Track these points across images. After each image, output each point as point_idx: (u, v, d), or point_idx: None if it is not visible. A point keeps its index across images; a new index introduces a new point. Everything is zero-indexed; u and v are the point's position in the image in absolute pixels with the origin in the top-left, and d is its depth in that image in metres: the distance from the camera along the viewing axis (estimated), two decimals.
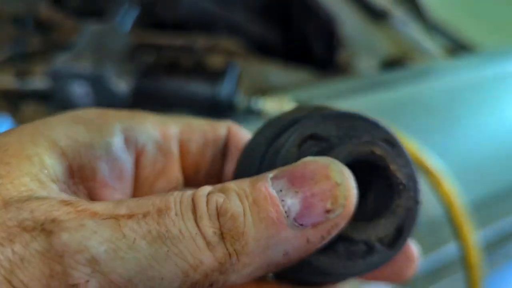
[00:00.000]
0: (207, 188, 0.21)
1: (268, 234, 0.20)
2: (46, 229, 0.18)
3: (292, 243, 0.20)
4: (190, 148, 0.28)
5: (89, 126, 0.24)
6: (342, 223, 0.21)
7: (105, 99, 0.73)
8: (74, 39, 1.01)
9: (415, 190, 0.24)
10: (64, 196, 0.21)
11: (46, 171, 0.21)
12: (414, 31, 1.04)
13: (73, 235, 0.19)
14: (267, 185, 0.21)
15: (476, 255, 0.77)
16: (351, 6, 1.11)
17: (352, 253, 0.22)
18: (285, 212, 0.20)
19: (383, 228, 0.23)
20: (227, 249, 0.20)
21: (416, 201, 0.24)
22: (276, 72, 0.97)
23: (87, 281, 0.18)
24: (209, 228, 0.20)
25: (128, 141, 0.26)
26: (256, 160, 0.24)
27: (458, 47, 1.06)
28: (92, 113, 0.25)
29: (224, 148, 0.29)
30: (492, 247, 0.89)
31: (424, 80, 0.90)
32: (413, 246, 0.27)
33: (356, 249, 0.22)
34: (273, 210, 0.20)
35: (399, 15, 1.07)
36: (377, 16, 1.09)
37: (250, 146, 0.26)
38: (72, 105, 0.74)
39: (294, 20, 1.20)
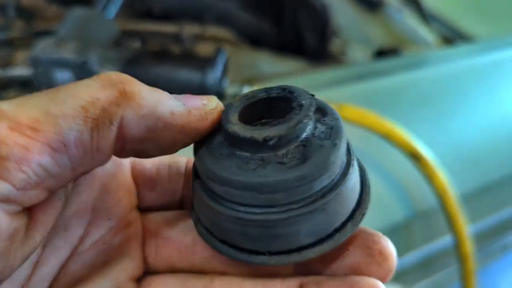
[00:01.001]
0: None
1: (158, 98, 0.25)
2: None
3: (177, 108, 0.25)
4: (144, 163, 0.31)
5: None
6: (215, 114, 0.27)
7: None
8: (57, 26, 0.98)
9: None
10: None
11: None
12: (409, 20, 1.02)
13: None
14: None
15: (469, 246, 0.76)
16: None
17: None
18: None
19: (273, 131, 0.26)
20: (124, 89, 0.24)
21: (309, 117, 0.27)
22: (266, 61, 0.94)
23: None
24: (106, 77, 0.25)
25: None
26: None
27: (453, 37, 1.04)
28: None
29: (186, 172, 0.32)
30: (486, 238, 0.88)
31: (417, 69, 0.88)
32: (388, 245, 0.28)
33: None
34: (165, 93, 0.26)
35: (394, 4, 1.05)
36: (371, 5, 1.07)
37: None
38: None
39: (287, 10, 1.18)
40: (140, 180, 0.31)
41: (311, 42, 1.11)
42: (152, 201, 0.31)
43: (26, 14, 0.96)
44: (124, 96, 0.24)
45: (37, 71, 0.72)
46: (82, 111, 0.23)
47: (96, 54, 0.71)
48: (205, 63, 0.70)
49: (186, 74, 0.69)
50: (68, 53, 0.70)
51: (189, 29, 0.90)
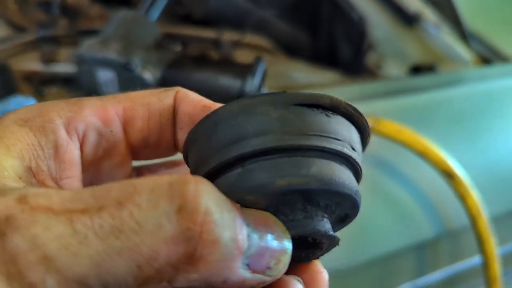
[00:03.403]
0: (190, 178, 0.20)
1: (229, 257, 0.20)
2: (0, 230, 0.19)
3: (234, 275, 0.21)
4: (135, 124, 0.28)
5: (33, 128, 0.24)
6: (268, 283, 0.22)
7: (131, 87, 0.72)
8: (100, 26, 1.01)
9: None
10: (23, 191, 0.21)
11: (6, 172, 0.22)
12: (446, 37, 1.02)
13: (24, 234, 0.19)
14: (241, 212, 0.21)
15: (497, 268, 0.76)
16: (382, 8, 1.09)
17: None
18: (247, 247, 0.21)
19: None
20: (195, 249, 0.20)
21: None
22: (301, 71, 0.95)
23: (43, 280, 0.19)
24: (185, 222, 0.19)
25: (70, 133, 0.26)
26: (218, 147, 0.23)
27: (491, 56, 1.03)
28: (32, 111, 0.25)
29: (173, 116, 0.29)
30: None
31: (453, 87, 0.87)
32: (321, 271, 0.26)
33: None
34: (242, 238, 0.21)
35: (432, 19, 1.04)
36: (408, 19, 1.07)
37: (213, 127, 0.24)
38: (96, 91, 0.74)
39: (323, 20, 1.18)
40: (134, 141, 0.29)
41: (346, 54, 1.11)
42: (146, 155, 0.30)
43: (70, 12, 0.99)
44: (190, 260, 0.20)
45: (81, 69, 0.74)
46: (135, 270, 0.19)
47: (139, 55, 0.73)
48: (245, 70, 0.71)
49: (226, 81, 0.70)
50: (112, 53, 0.72)
51: (228, 36, 0.91)
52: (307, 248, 0.24)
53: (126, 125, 0.28)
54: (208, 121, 0.24)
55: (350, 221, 0.26)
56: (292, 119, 0.22)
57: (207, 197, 0.20)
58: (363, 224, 0.71)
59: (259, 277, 0.21)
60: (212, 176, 0.24)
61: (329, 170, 0.22)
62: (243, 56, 0.94)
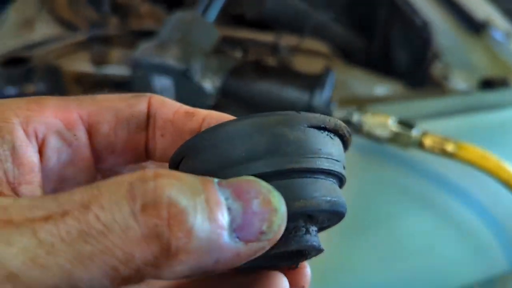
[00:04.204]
0: (149, 174, 0.20)
1: (211, 238, 0.20)
2: None
3: (225, 253, 0.20)
4: (101, 129, 0.27)
5: None
6: (268, 247, 0.21)
7: (189, 95, 0.67)
8: (152, 25, 0.96)
9: None
10: None
11: None
12: None
13: None
14: (216, 188, 0.20)
15: None
16: (447, 14, 1.02)
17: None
18: (229, 221, 0.20)
19: None
20: (169, 244, 0.19)
21: None
22: (360, 80, 0.89)
23: None
24: (151, 219, 0.19)
25: (28, 134, 0.25)
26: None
27: None
28: None
29: (146, 123, 0.28)
30: None
31: None
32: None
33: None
34: (221, 215, 0.20)
35: (502, 27, 0.97)
36: (475, 26, 1.00)
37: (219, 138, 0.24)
38: None
39: (380, 23, 1.12)
40: (98, 147, 0.28)
41: (403, 61, 1.04)
42: (113, 163, 0.29)
43: (121, 10, 0.95)
44: (168, 254, 0.19)
45: (135, 73, 0.70)
46: (111, 273, 0.19)
47: (198, 62, 0.68)
48: (314, 82, 0.66)
49: (292, 93, 0.65)
50: (170, 59, 0.67)
51: (287, 40, 0.86)
52: (295, 257, 0.25)
53: (90, 130, 0.27)
54: (221, 132, 0.23)
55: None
56: (306, 141, 0.23)
57: (169, 188, 0.19)
58: (434, 255, 0.66)
59: (254, 245, 0.21)
60: None
61: (334, 192, 0.24)
62: (301, 62, 0.88)
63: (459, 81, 0.89)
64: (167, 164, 0.27)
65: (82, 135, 0.27)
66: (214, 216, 0.20)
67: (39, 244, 0.18)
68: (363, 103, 0.81)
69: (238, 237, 0.20)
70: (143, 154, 0.29)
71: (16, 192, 0.23)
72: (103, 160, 0.28)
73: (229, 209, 0.20)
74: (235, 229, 0.20)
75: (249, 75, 0.67)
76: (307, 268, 0.27)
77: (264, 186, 0.21)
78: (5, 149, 0.23)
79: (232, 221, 0.20)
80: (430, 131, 0.64)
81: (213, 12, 0.79)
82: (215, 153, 0.23)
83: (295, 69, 0.69)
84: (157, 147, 0.28)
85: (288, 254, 0.24)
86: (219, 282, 0.26)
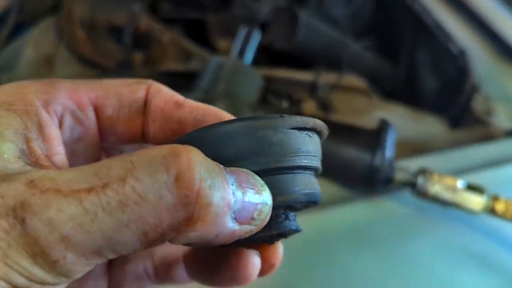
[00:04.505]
0: (180, 148, 0.22)
1: (220, 214, 0.23)
2: (18, 215, 0.21)
3: (224, 229, 0.24)
4: (106, 112, 0.30)
5: (18, 112, 0.26)
6: (255, 231, 0.25)
7: None
8: (175, 56, 0.90)
9: None
10: (29, 175, 0.22)
11: (5, 155, 0.24)
12: None
13: (41, 218, 0.21)
14: (225, 173, 0.24)
15: None
16: (482, 41, 0.98)
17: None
18: (233, 203, 0.23)
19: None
20: (193, 213, 0.22)
21: None
22: (402, 119, 0.85)
23: (64, 256, 0.21)
24: (183, 190, 0.22)
25: (49, 113, 0.27)
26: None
27: None
28: (12, 94, 0.27)
29: (144, 109, 0.31)
30: None
31: None
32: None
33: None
34: (230, 197, 0.23)
35: None
36: None
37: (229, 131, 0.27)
38: None
39: (404, 48, 1.07)
40: (103, 127, 0.31)
41: (437, 93, 1.00)
42: (114, 141, 0.32)
43: (142, 41, 0.89)
44: (189, 222, 0.23)
45: None
46: (142, 237, 0.22)
47: (246, 115, 0.63)
48: (373, 139, 0.61)
49: (351, 153, 0.61)
50: None
51: (325, 78, 0.81)
52: (276, 236, 0.28)
53: (97, 111, 0.30)
54: (212, 134, 0.26)
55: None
56: (287, 142, 0.26)
57: (199, 165, 0.22)
58: None
59: (245, 227, 0.24)
60: None
61: (310, 185, 0.27)
62: (340, 100, 0.84)
63: (503, 117, 0.85)
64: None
65: (91, 115, 0.30)
66: (226, 197, 0.23)
67: (84, 213, 0.21)
68: (413, 147, 0.77)
69: (235, 219, 0.24)
70: (139, 136, 0.31)
71: (51, 162, 0.26)
72: (105, 139, 0.31)
73: (233, 193, 0.23)
74: (235, 211, 0.24)
75: None
76: (280, 247, 0.31)
77: (258, 179, 0.25)
78: (35, 129, 0.26)
79: (234, 204, 0.23)
80: (499, 194, 0.60)
81: (250, 55, 0.74)
82: (206, 153, 0.25)
83: (350, 123, 0.64)
84: (150, 131, 0.31)
85: (270, 236, 0.28)
86: (204, 250, 0.31)
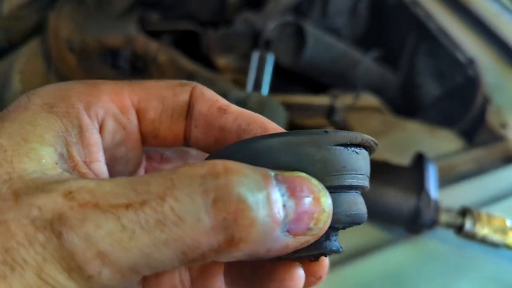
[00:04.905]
0: (220, 168, 0.22)
1: (267, 231, 0.22)
2: (55, 229, 0.21)
3: (276, 244, 0.23)
4: (147, 115, 0.29)
5: (59, 114, 0.25)
6: (312, 241, 0.24)
7: None
8: (173, 78, 0.84)
9: None
10: (67, 186, 0.22)
11: (44, 160, 0.23)
12: None
13: (78, 233, 0.21)
14: (274, 184, 0.22)
15: None
16: (489, 48, 0.96)
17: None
18: (284, 216, 0.22)
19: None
20: (233, 235, 0.21)
21: None
22: (418, 134, 0.82)
23: (100, 272, 0.21)
24: (221, 213, 0.21)
25: (91, 117, 0.27)
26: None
27: None
28: (54, 96, 0.26)
29: (187, 112, 0.30)
30: None
31: None
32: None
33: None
34: (278, 212, 0.22)
35: None
36: None
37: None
38: None
39: (405, 56, 1.04)
40: (144, 130, 0.30)
41: (443, 103, 0.98)
42: (155, 144, 0.31)
43: (139, 63, 0.81)
44: (230, 244, 0.22)
45: None
46: (181, 256, 0.22)
47: None
48: (415, 178, 0.57)
49: (394, 197, 0.57)
50: None
51: (343, 99, 0.77)
52: (317, 255, 0.27)
53: (138, 114, 0.29)
54: (253, 148, 0.25)
55: None
56: (331, 160, 0.25)
57: (239, 184, 0.21)
58: None
59: (300, 238, 0.23)
60: None
61: (354, 205, 0.25)
62: (354, 120, 0.79)
63: None
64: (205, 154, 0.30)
65: (133, 119, 0.29)
66: (272, 213, 0.22)
67: (122, 230, 0.21)
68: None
69: (288, 231, 0.23)
70: (181, 140, 0.31)
71: (90, 169, 0.25)
72: (146, 143, 0.31)
73: (284, 205, 0.22)
74: (287, 224, 0.22)
75: None
76: (325, 261, 0.30)
77: (315, 184, 0.23)
78: (75, 133, 0.25)
79: (285, 217, 0.22)
80: None
81: (267, 84, 0.68)
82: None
83: (385, 160, 0.60)
84: (192, 135, 0.30)
85: (309, 255, 0.27)
86: (251, 263, 0.29)
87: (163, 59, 0.84)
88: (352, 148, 0.25)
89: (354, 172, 0.25)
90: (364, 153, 0.26)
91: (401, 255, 0.59)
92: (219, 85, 0.80)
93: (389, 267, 0.58)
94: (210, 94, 0.30)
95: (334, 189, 0.24)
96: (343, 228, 0.27)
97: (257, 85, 0.67)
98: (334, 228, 0.26)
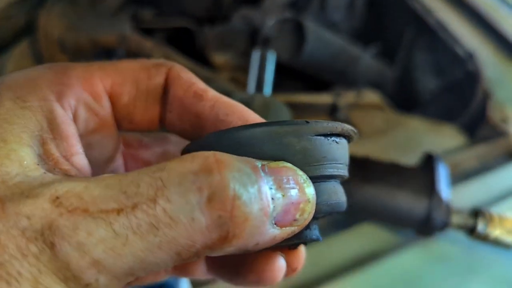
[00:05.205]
0: (211, 161, 0.21)
1: (259, 225, 0.22)
2: (47, 239, 0.20)
3: (265, 237, 0.22)
4: (122, 100, 0.28)
5: (33, 109, 0.24)
6: (297, 231, 0.24)
7: None
8: None
9: None
10: (53, 190, 0.21)
11: (25, 162, 0.22)
12: None
13: (70, 243, 0.20)
14: (263, 176, 0.22)
15: None
16: (488, 42, 0.95)
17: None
18: (272, 209, 0.22)
19: None
20: (227, 232, 0.21)
21: None
22: (421, 131, 0.81)
23: (97, 279, 0.21)
24: (216, 211, 0.21)
25: (64, 107, 0.26)
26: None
27: None
28: (25, 86, 0.25)
29: (162, 95, 0.29)
30: None
31: None
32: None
33: None
34: (268, 205, 0.22)
35: None
36: None
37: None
38: None
39: (403, 49, 1.02)
40: (118, 115, 0.29)
41: (441, 97, 0.97)
42: (130, 129, 0.30)
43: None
44: (224, 241, 0.22)
45: None
46: (175, 257, 0.21)
47: None
48: (425, 179, 0.56)
49: (405, 199, 0.55)
50: None
51: (345, 98, 0.75)
52: (297, 244, 0.27)
53: (112, 100, 0.28)
54: (234, 138, 0.24)
55: None
56: (312, 150, 0.24)
57: (234, 181, 0.21)
58: None
59: (287, 229, 0.23)
60: None
61: (335, 194, 0.26)
62: (357, 118, 0.78)
63: None
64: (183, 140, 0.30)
65: (106, 105, 0.28)
66: (263, 206, 0.22)
67: (115, 236, 0.20)
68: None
69: (275, 223, 0.22)
70: (157, 124, 0.30)
71: (70, 163, 0.25)
72: (121, 128, 0.30)
73: (272, 199, 0.22)
74: (275, 216, 0.22)
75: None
76: (302, 252, 0.30)
77: (300, 174, 0.23)
78: (51, 127, 0.24)
79: (274, 209, 0.22)
80: None
81: (269, 83, 0.66)
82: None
83: (393, 162, 0.59)
84: (166, 120, 0.29)
85: (290, 244, 0.27)
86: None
87: (158, 57, 0.82)
88: (333, 138, 0.25)
89: (334, 162, 0.25)
90: (343, 142, 0.26)
91: (412, 258, 0.58)
92: (218, 83, 0.78)
93: (401, 270, 0.57)
94: (187, 76, 0.28)
95: (315, 179, 0.24)
96: (323, 217, 0.27)
97: (259, 85, 0.65)
98: (314, 217, 0.26)
